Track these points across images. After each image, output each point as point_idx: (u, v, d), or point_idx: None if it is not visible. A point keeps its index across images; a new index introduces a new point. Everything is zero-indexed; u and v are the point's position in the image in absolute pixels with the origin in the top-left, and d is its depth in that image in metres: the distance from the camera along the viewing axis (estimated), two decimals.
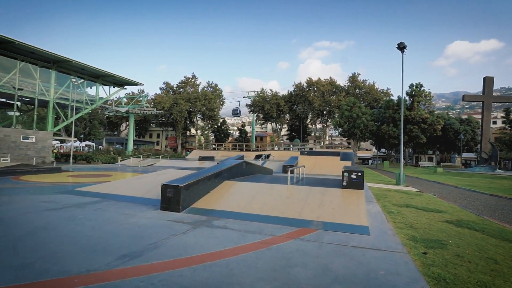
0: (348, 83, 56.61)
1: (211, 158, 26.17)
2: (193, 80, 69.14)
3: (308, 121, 63.33)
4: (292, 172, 8.83)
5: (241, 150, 37.58)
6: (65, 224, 4.94)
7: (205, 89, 69.12)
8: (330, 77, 58.24)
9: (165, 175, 9.31)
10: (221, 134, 72.48)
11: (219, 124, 73.46)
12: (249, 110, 65.31)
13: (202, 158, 25.20)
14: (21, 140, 23.26)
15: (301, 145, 42.76)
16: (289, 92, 61.55)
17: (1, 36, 19.85)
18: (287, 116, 65.89)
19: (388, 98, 54.39)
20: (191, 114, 67.80)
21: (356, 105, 38.32)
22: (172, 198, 6.19)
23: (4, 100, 25.20)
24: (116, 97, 35.55)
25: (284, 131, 78.85)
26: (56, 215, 5.59)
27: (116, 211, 6.09)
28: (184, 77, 69.38)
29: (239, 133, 76.23)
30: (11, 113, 30.90)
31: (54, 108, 25.52)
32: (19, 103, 24.57)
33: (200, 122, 71.69)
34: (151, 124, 77.20)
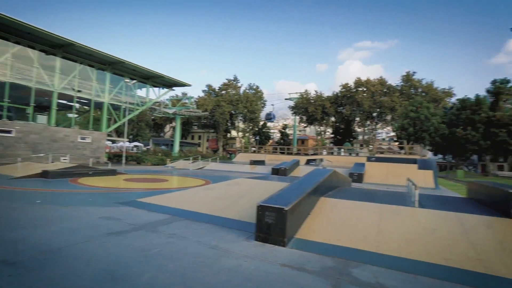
0: (402, 83, 51.91)
1: (261, 162, 24.55)
2: (234, 82, 68.84)
3: (355, 123, 59.38)
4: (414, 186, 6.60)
5: (282, 153, 35.63)
6: (139, 266, 3.37)
7: (247, 91, 68.42)
8: (380, 77, 53.99)
9: (238, 185, 7.67)
10: (262, 137, 71.25)
11: (260, 127, 72.35)
12: (292, 112, 63.08)
13: (254, 162, 23.68)
14: (79, 140, 23.70)
15: (349, 149, 39.58)
16: (335, 93, 58.19)
17: (63, 38, 20.17)
18: (332, 118, 62.53)
19: (449, 98, 48.75)
20: (233, 116, 67.53)
21: (424, 105, 34.15)
22: (274, 225, 4.42)
23: (65, 102, 26.01)
24: (163, 99, 35.69)
25: (327, 134, 75.26)
26: (124, 244, 4.10)
27: (198, 240, 4.47)
28: (226, 79, 69.34)
29: (280, 135, 74.35)
30: (68, 114, 32.23)
31: (108, 109, 25.82)
32: (77, 105, 25.20)
33: (241, 125, 71.13)
34: (193, 126, 78.45)
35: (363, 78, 53.44)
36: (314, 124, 63.89)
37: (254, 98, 66.48)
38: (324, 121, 60.87)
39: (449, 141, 33.04)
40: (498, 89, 31.94)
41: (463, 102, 33.76)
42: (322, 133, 64.32)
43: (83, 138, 24.03)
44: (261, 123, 71.82)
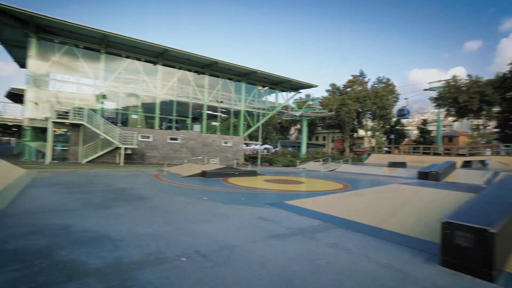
0: None
1: (402, 165, 21.47)
2: (360, 78, 64.13)
3: None
4: None
5: (426, 153, 29.94)
6: (314, 279, 3.14)
7: (375, 85, 62.44)
8: None
9: (394, 192, 6.64)
10: (395, 135, 63.43)
11: (392, 124, 64.73)
12: (435, 104, 53.01)
13: (393, 164, 21.02)
14: (222, 144, 27.51)
15: None
16: (500, 74, 45.12)
17: (210, 59, 23.93)
18: (495, 108, 48.81)
19: None
20: (360, 115, 63.04)
21: None
22: (471, 250, 3.36)
23: (210, 112, 30.87)
24: (290, 102, 36.94)
25: (487, 129, 59.24)
26: (289, 250, 4.03)
27: (365, 255, 3.92)
28: (351, 76, 65.54)
29: (420, 132, 64.15)
30: (212, 123, 38.10)
31: (244, 116, 28.86)
32: (220, 114, 29.43)
33: (370, 123, 65.58)
34: (317, 127, 78.03)
35: None
36: (468, 116, 51.39)
37: (385, 92, 59.99)
38: (484, 112, 48.04)
39: None
40: None
41: None
42: (481, 127, 51.06)
43: (225, 143, 27.75)
44: (394, 119, 63.95)
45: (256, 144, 31.36)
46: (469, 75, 48.65)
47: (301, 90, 33.43)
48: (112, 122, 21.72)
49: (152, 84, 23.98)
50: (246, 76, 28.22)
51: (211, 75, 26.83)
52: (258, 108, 29.20)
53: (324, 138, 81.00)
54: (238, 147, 28.47)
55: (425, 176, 16.76)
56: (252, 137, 49.65)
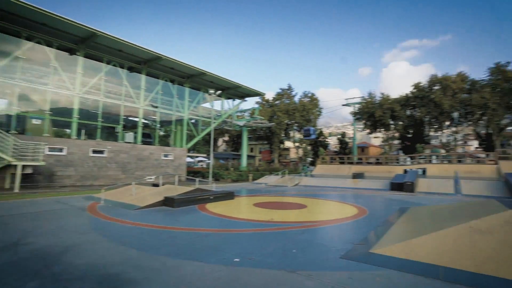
0: (490, 76, 44.96)
1: (361, 175, 21.20)
2: (289, 91, 66.73)
3: (430, 127, 53.07)
4: None
5: (351, 163, 31.87)
6: None
7: (302, 99, 65.80)
8: (459, 72, 47.84)
9: None
10: (318, 146, 67.76)
11: (316, 136, 68.86)
12: (355, 117, 58.81)
13: (356, 176, 20.45)
14: (162, 157, 22.67)
15: (445, 155, 34.17)
16: (406, 94, 52.89)
17: (151, 52, 19.34)
18: (400, 123, 56.85)
19: None
20: (289, 126, 65.17)
21: None
22: None
23: (145, 120, 25.53)
24: (233, 111, 34.24)
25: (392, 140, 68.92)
26: None
27: None
28: (280, 89, 67.59)
29: (339, 144, 70.05)
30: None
31: (188, 125, 24.71)
32: (156, 122, 24.45)
33: (297, 134, 68.35)
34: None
35: (410, 80, 47.56)
36: (379, 129, 58.55)
37: (310, 106, 63.59)
38: (392, 125, 55.35)
39: None
40: None
41: None
42: (389, 139, 58.61)
43: (166, 156, 22.98)
44: (318, 131, 68.40)
45: (203, 157, 27.32)
46: (382, 93, 55.32)
47: (246, 99, 31.21)
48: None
49: (68, 79, 17.78)
50: (191, 79, 24.29)
51: (149, 74, 21.98)
52: (203, 116, 25.50)
53: (252, 150, 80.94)
54: (180, 161, 24.00)
55: (398, 187, 16.37)
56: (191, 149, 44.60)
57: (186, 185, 13.35)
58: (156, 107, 23.24)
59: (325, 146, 73.39)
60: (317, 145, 68.32)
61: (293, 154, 79.46)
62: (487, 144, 48.23)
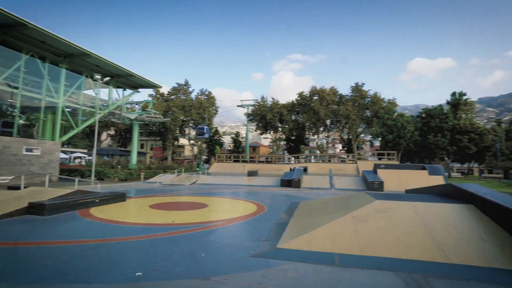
0: (352, 93, 55.92)
1: (255, 173, 22.56)
2: (185, 87, 64.76)
3: (309, 131, 61.82)
4: None
5: (245, 162, 34.43)
6: None
7: (199, 96, 65.07)
8: (332, 86, 57.43)
9: (393, 212, 5.90)
10: (214, 144, 68.69)
11: (211, 134, 69.49)
12: (248, 119, 62.57)
13: (251, 173, 21.51)
14: (24, 152, 18.00)
15: (320, 156, 40.32)
16: (292, 101, 59.77)
17: (14, 17, 14.96)
18: (287, 126, 63.92)
19: (385, 106, 54.25)
20: (184, 123, 63.37)
21: (397, 113, 36.79)
22: None
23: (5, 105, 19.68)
24: (123, 102, 30.51)
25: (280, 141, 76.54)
26: None
27: None
28: (177, 83, 64.90)
29: (233, 143, 72.65)
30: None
31: (63, 114, 20.45)
32: (17, 107, 19.09)
33: (193, 132, 67.08)
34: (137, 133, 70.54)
35: (295, 89, 56.07)
36: (269, 131, 64.08)
37: (207, 104, 63.57)
38: (280, 128, 61.54)
39: (419, 147, 36.39)
40: (457, 101, 36.94)
41: (431, 111, 37.81)
42: (278, 140, 64.89)
43: (29, 150, 18.32)
44: (213, 130, 69.16)
45: (81, 153, 23.10)
46: (273, 98, 60.63)
47: (140, 90, 28.36)
48: None
49: None
50: (70, 59, 20.16)
51: (5, 44, 17.00)
52: (85, 105, 21.66)
53: (142, 146, 74.62)
54: (51, 157, 19.61)
55: (287, 183, 18.22)
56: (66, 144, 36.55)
57: (60, 187, 10.94)
58: (16, 88, 18.26)
59: (221, 144, 74.90)
60: (212, 143, 68.93)
61: (188, 152, 77.66)
62: (348, 147, 59.72)
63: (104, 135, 70.73)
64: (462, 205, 6.24)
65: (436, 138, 35.18)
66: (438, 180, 17.55)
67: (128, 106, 39.78)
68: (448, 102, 38.98)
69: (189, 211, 9.04)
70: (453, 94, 38.96)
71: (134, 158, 33.37)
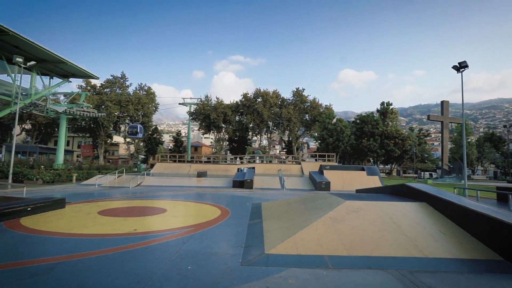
0: (293, 97, 58.71)
1: (205, 174, 21.87)
2: (122, 80, 59.37)
3: (252, 132, 62.91)
4: None
5: (190, 162, 33.61)
6: None
7: (137, 91, 60.40)
8: (275, 89, 59.44)
9: (361, 212, 6.27)
10: (152, 143, 64.80)
11: (150, 132, 65.34)
12: (191, 118, 60.73)
13: (200, 174, 20.72)
14: None
15: (261, 157, 41.28)
16: (236, 102, 60.03)
17: None
18: (230, 126, 63.93)
19: (324, 111, 58.73)
20: (120, 119, 58.14)
21: (336, 118, 39.56)
22: None
23: None
24: (51, 92, 26.33)
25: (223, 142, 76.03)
26: None
27: None
28: (112, 75, 59.29)
29: (174, 142, 69.49)
30: None
31: None
32: None
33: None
34: (56, 129, 61.97)
35: (237, 90, 57.42)
36: (213, 131, 63.14)
37: (147, 100, 59.43)
38: (224, 128, 61.13)
39: (355, 149, 40.00)
40: (385, 109, 41.83)
41: (366, 117, 41.91)
42: (221, 140, 64.34)
43: None
44: (152, 127, 65.12)
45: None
46: (217, 98, 59.86)
47: (71, 79, 24.87)
48: None
49: None
50: None
51: None
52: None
53: (68, 143, 65.87)
54: None
55: (240, 184, 18.09)
56: None
57: (44, 197, 8.80)
58: None
59: (161, 143, 70.87)
60: (151, 142, 64.83)
61: (123, 151, 71.56)
62: (288, 148, 62.54)
63: (18, 129, 60.33)
64: (417, 203, 6.97)
65: (369, 142, 39.76)
66: (375, 180, 19.52)
67: (52, 97, 34.69)
68: (378, 110, 44.27)
69: (149, 217, 8.17)
70: (382, 103, 44.50)
71: (60, 157, 29.19)
